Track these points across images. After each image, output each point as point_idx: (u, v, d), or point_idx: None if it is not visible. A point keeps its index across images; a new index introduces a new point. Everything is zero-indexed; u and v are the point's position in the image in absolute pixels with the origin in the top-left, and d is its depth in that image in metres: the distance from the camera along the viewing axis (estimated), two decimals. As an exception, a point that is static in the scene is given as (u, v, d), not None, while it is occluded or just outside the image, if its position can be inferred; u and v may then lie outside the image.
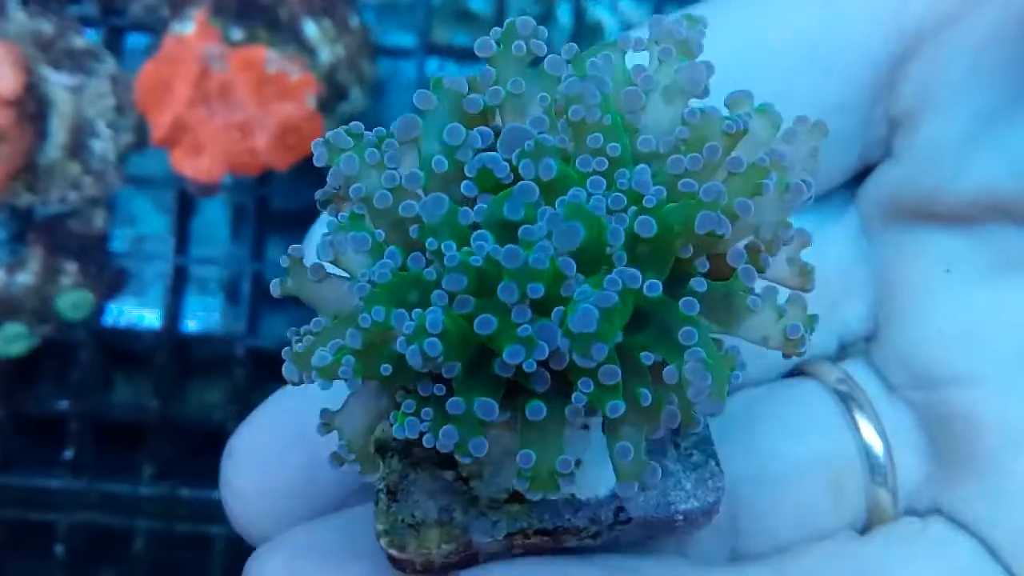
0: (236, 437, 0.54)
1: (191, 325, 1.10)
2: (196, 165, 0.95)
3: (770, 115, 0.45)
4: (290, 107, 0.95)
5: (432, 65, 1.12)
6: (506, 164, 0.42)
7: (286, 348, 0.44)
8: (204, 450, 1.05)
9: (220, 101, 0.94)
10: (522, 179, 0.42)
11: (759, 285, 0.43)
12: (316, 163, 0.44)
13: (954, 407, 0.54)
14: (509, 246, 0.39)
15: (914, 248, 0.55)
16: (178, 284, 1.09)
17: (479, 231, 0.41)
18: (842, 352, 0.60)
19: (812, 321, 0.43)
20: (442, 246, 0.41)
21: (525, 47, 0.45)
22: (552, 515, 0.47)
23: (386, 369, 0.41)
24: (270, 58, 0.95)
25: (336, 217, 0.44)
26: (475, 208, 0.42)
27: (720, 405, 0.41)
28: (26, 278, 1.01)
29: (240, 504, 0.54)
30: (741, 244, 0.42)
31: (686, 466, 0.49)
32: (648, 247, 0.41)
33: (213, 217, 1.11)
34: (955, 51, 0.52)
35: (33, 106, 0.96)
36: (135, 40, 1.08)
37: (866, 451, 0.56)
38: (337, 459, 0.45)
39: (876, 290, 0.57)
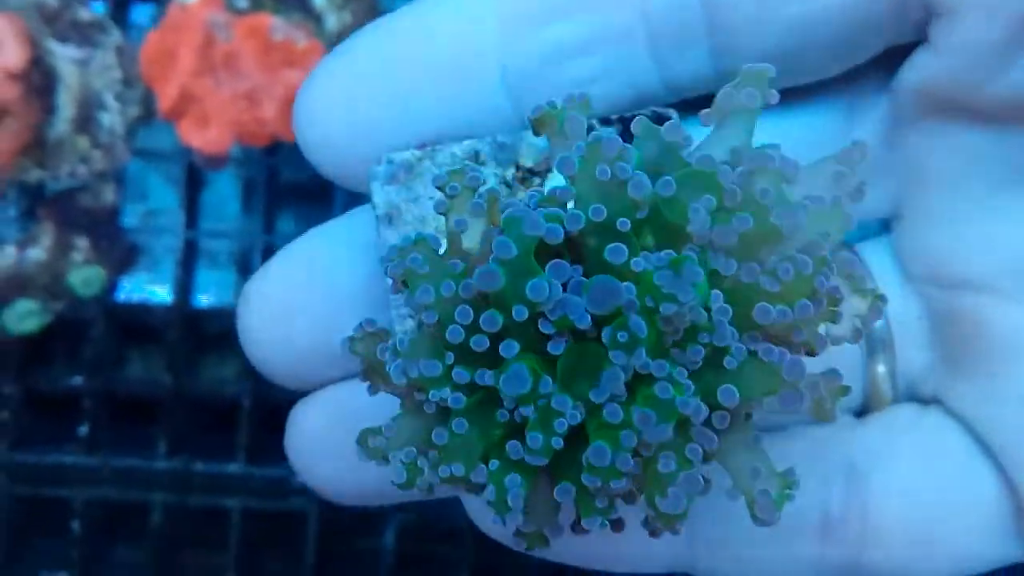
0: (249, 283, 0.55)
1: (203, 299, 1.09)
2: (204, 136, 0.95)
3: (839, 207, 0.44)
4: (297, 75, 0.94)
5: None
6: (588, 317, 0.42)
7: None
8: (218, 424, 1.05)
9: (226, 70, 0.94)
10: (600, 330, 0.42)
11: None
12: (388, 275, 0.45)
13: (964, 308, 0.55)
14: (597, 445, 0.41)
15: (946, 143, 0.54)
16: (189, 258, 1.08)
17: (558, 397, 0.41)
18: (862, 229, 0.60)
19: (844, 392, 0.45)
20: (522, 410, 0.42)
21: (608, 172, 0.42)
22: None
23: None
24: (276, 25, 0.94)
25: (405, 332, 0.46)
26: (551, 348, 0.43)
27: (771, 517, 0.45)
28: (37, 254, 1.01)
29: (257, 350, 0.55)
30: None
31: None
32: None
33: (223, 190, 1.11)
34: None
35: (39, 80, 0.96)
36: (141, 12, 1.07)
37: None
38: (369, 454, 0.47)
39: (902, 177, 0.56)
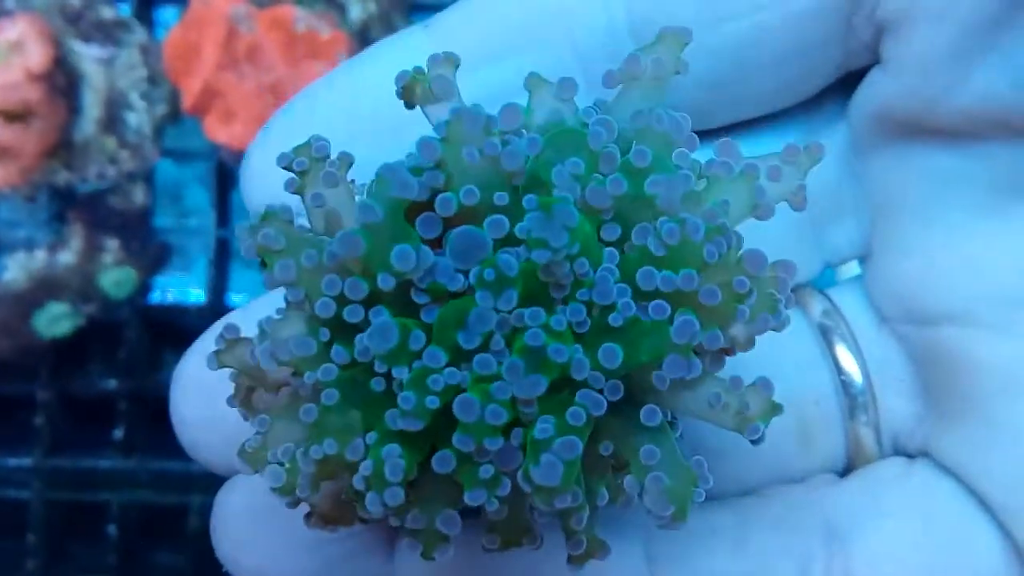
0: (182, 362, 0.53)
1: (237, 299, 1.08)
2: (230, 131, 0.93)
3: (749, 180, 0.40)
4: (322, 66, 0.93)
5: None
6: (460, 276, 0.38)
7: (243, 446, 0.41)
8: (254, 424, 1.04)
9: (250, 63, 0.93)
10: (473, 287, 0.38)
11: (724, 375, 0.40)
12: (244, 255, 0.40)
13: (944, 344, 0.50)
14: (463, 397, 0.36)
15: (910, 167, 0.50)
16: (222, 257, 1.07)
17: (430, 350, 0.38)
18: (834, 273, 0.56)
19: (775, 411, 0.40)
20: (392, 370, 0.38)
21: (476, 154, 0.39)
22: None
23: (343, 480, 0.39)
24: (298, 16, 0.93)
25: (274, 314, 0.40)
26: (424, 315, 0.39)
27: (681, 525, 0.39)
28: (68, 257, 1.00)
29: (186, 431, 0.53)
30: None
31: None
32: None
33: (254, 188, 1.09)
34: None
35: (64, 80, 0.95)
36: (166, 11, 1.07)
37: (844, 384, 0.53)
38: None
39: (868, 211, 0.52)
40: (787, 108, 0.51)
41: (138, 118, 0.99)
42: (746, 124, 0.51)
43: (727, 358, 0.41)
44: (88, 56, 0.97)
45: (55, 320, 1.00)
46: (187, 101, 0.94)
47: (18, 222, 1.02)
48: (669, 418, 0.41)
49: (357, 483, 0.38)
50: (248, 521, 0.52)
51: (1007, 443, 0.49)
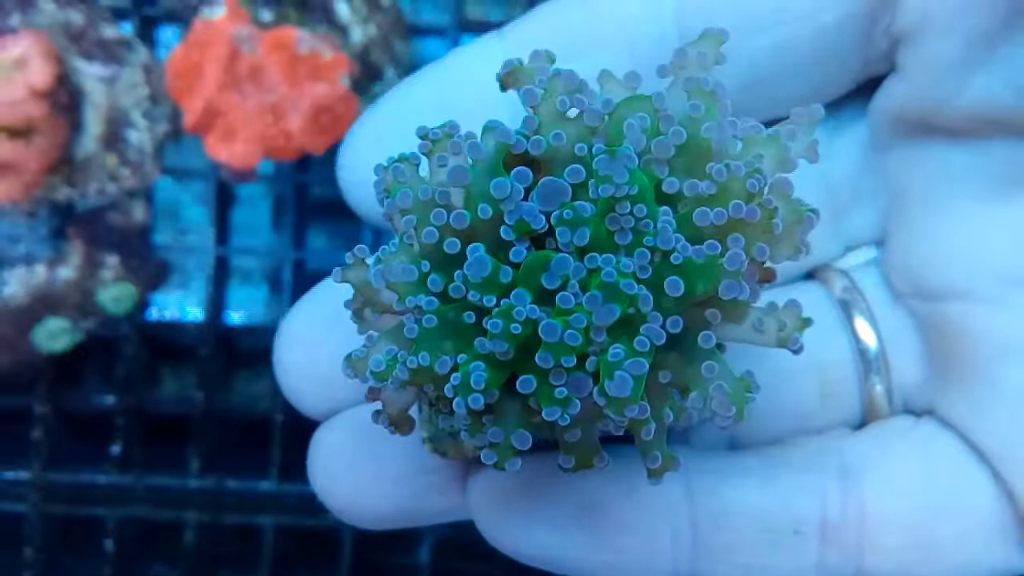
0: (288, 318, 0.61)
1: (235, 316, 1.09)
2: (230, 150, 0.94)
3: (775, 139, 0.49)
4: (323, 87, 0.94)
5: (467, 43, 1.10)
6: (542, 217, 0.46)
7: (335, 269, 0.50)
8: (251, 441, 1.05)
9: (252, 84, 0.93)
10: (554, 229, 0.46)
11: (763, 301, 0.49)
12: (375, 187, 0.49)
13: (950, 318, 0.57)
14: (547, 322, 0.44)
15: (921, 161, 0.57)
16: (220, 275, 1.08)
17: (517, 291, 0.45)
18: (850, 252, 0.63)
19: (806, 324, 0.48)
20: (483, 299, 0.46)
21: (568, 102, 0.47)
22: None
23: (428, 389, 0.48)
24: (301, 38, 0.94)
25: (387, 245, 0.48)
26: (512, 255, 0.46)
27: (740, 424, 0.48)
28: (67, 273, 1.01)
29: (289, 380, 0.61)
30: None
31: None
32: (672, 300, 0.46)
33: (253, 206, 1.10)
34: None
35: (66, 97, 0.96)
36: (168, 30, 1.07)
37: (861, 351, 0.60)
38: (376, 417, 0.51)
39: (885, 199, 0.59)
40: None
41: (139, 136, 1.00)
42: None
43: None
44: (90, 74, 0.98)
45: (54, 335, 1.00)
46: (188, 120, 0.95)
47: (18, 237, 1.02)
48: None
49: (448, 391, 0.46)
50: (343, 457, 0.59)
51: (1001, 402, 0.56)
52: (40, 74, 0.92)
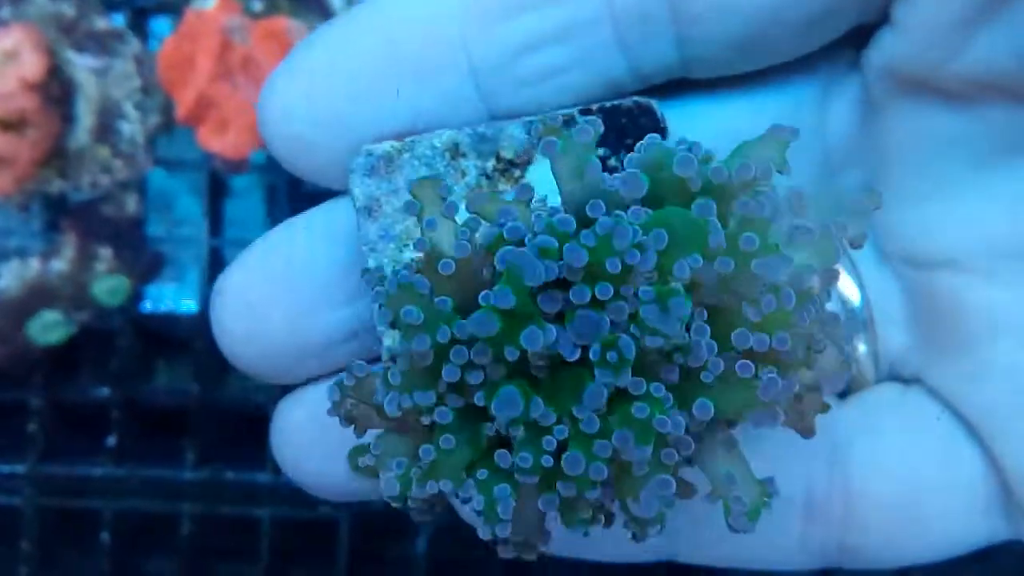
0: (224, 275, 0.55)
1: (229, 308, 1.08)
2: (222, 141, 0.94)
3: (830, 243, 0.45)
4: (315, 77, 0.93)
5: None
6: (578, 350, 0.42)
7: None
8: (246, 432, 1.04)
9: (244, 74, 0.93)
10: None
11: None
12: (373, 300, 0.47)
13: (940, 288, 0.55)
14: (571, 454, 0.41)
15: (915, 124, 0.54)
16: (214, 267, 1.08)
17: (545, 412, 0.42)
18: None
19: (824, 409, 0.47)
20: (513, 436, 0.43)
21: (620, 265, 0.42)
22: None
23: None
24: (293, 28, 0.94)
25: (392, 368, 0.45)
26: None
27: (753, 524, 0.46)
28: (61, 265, 1.01)
29: (231, 344, 0.55)
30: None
31: None
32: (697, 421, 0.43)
33: (247, 198, 1.10)
34: None
35: (58, 90, 0.96)
36: (159, 22, 1.07)
37: (844, 305, 0.57)
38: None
39: (876, 158, 0.56)
40: (806, 57, 0.54)
41: (131, 128, 1.00)
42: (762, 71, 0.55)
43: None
44: (82, 66, 0.98)
45: (48, 328, 1.00)
46: (180, 111, 0.95)
47: (11, 230, 1.02)
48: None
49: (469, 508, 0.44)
50: (310, 431, 0.55)
51: (991, 377, 0.54)
52: (32, 66, 0.92)
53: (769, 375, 0.42)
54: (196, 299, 1.07)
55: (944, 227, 0.55)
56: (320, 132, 0.52)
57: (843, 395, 0.58)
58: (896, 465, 0.56)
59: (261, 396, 1.05)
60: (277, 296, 0.53)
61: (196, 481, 1.04)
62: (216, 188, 1.07)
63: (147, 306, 1.07)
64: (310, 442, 0.55)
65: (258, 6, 0.96)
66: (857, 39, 0.54)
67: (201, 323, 1.06)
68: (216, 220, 1.08)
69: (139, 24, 1.06)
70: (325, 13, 0.97)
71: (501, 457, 0.43)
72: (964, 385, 0.55)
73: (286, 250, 0.54)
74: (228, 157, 0.95)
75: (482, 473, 0.43)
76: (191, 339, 1.06)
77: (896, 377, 0.58)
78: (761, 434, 0.54)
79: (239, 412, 1.06)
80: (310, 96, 0.51)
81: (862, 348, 0.58)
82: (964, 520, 0.56)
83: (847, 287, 0.57)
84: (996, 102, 0.52)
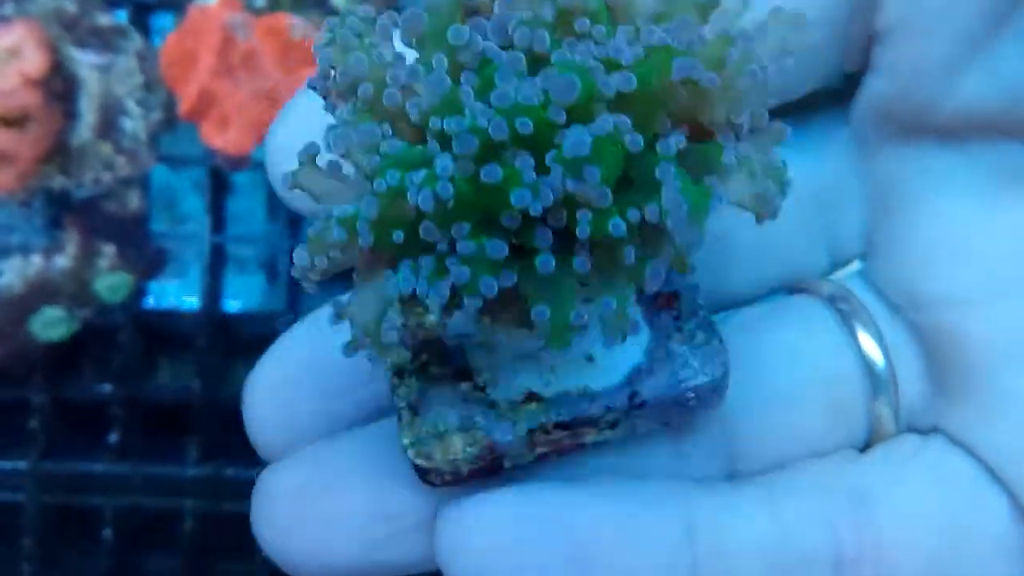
0: (255, 371, 0.55)
1: (232, 305, 1.09)
2: (225, 137, 0.94)
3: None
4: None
5: (463, 29, 1.10)
6: (501, 50, 0.42)
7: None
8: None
9: (245, 70, 0.93)
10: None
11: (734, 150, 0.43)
12: (319, 63, 0.44)
13: (947, 327, 0.54)
14: (499, 90, 0.40)
15: (908, 163, 0.54)
16: (216, 264, 1.08)
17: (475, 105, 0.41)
18: (837, 268, 0.59)
19: (786, 186, 0.44)
20: (444, 121, 0.41)
21: None
22: (569, 408, 0.49)
23: (398, 236, 0.42)
24: (294, 24, 0.94)
25: (339, 112, 0.44)
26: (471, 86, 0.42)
27: (700, 231, 0.41)
28: (63, 262, 1.01)
29: (261, 433, 0.55)
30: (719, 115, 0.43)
31: (692, 346, 0.51)
32: (631, 107, 0.41)
33: (248, 194, 1.10)
34: None
35: (60, 86, 0.96)
36: (162, 18, 1.07)
37: (867, 366, 0.55)
38: (352, 346, 0.45)
39: (870, 205, 0.56)
40: (800, 105, 0.54)
41: (134, 124, 1.00)
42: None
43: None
44: (85, 62, 0.98)
45: (50, 324, 1.00)
46: (183, 107, 0.95)
47: (14, 227, 1.02)
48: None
49: (411, 197, 0.40)
50: (293, 505, 0.52)
51: (1007, 413, 0.53)
52: (34, 63, 0.92)
53: (679, 27, 0.42)
54: (198, 296, 1.07)
55: (943, 264, 0.54)
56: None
57: (863, 448, 0.57)
58: (925, 514, 0.54)
59: (263, 393, 1.05)
60: (304, 384, 0.54)
61: (198, 478, 1.04)
62: (218, 185, 1.08)
63: (149, 303, 1.08)
64: (294, 518, 0.52)
65: (260, 2, 0.96)
66: (846, 92, 0.54)
67: (203, 320, 1.06)
68: (218, 217, 1.08)
69: (141, 20, 1.06)
70: (326, 10, 0.97)
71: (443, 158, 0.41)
72: (979, 427, 0.54)
73: (308, 342, 0.55)
74: (230, 153, 0.95)
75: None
76: (193, 336, 1.06)
77: (914, 429, 0.57)
78: (780, 490, 0.54)
79: (241, 408, 1.06)
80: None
81: (885, 406, 0.56)
82: (997, 567, 0.54)
83: (871, 350, 0.56)
84: (988, 139, 0.52)
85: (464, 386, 0.50)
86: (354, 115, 0.43)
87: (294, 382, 0.55)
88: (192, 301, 1.08)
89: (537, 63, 0.42)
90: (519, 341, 0.47)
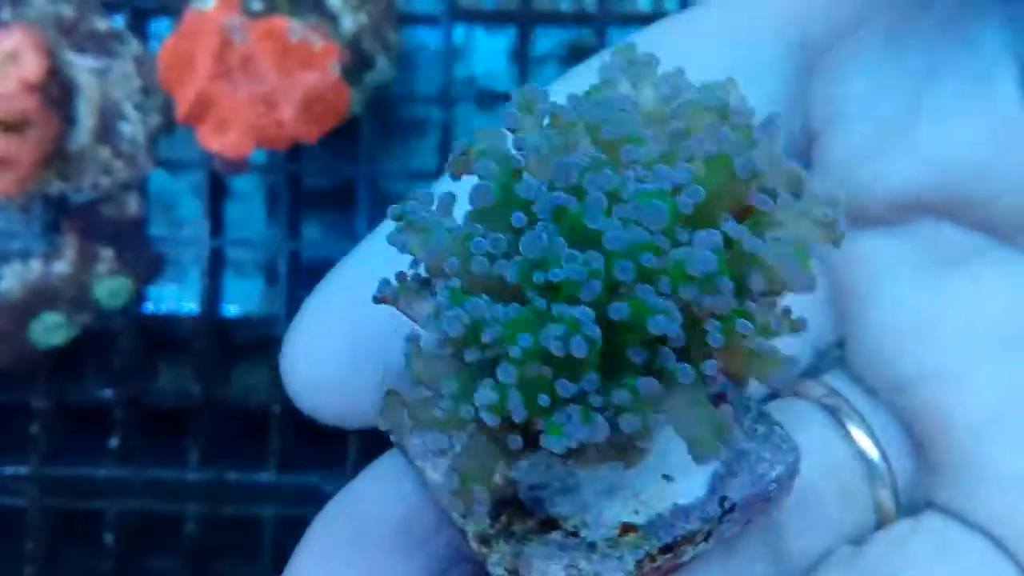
0: (298, 551, 0.55)
1: (231, 308, 1.09)
2: (223, 141, 0.94)
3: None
4: (314, 76, 0.93)
5: (459, 32, 1.10)
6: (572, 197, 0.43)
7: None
8: (249, 432, 1.05)
9: (243, 73, 0.93)
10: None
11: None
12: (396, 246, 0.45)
13: (925, 405, 0.55)
14: (610, 234, 0.41)
15: (856, 252, 0.56)
16: (215, 267, 1.08)
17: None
18: (821, 361, 0.60)
19: (841, 207, 0.45)
20: (550, 274, 0.42)
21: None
22: (667, 529, 0.49)
23: (544, 399, 0.42)
24: (292, 28, 0.94)
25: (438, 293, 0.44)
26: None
27: (812, 279, 0.44)
28: (62, 267, 1.01)
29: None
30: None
31: (757, 440, 0.51)
32: (700, 215, 0.43)
33: (247, 198, 1.10)
34: (853, 63, 0.54)
35: (58, 91, 0.96)
36: (159, 23, 1.07)
37: (863, 458, 0.56)
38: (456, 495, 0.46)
39: (834, 297, 0.58)
40: None
41: (132, 128, 1.00)
42: None
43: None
44: (82, 67, 0.98)
45: (50, 330, 1.00)
46: (181, 111, 0.95)
47: (13, 232, 1.02)
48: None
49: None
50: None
51: (990, 484, 0.54)
52: (32, 67, 0.93)
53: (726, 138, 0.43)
54: (198, 300, 1.07)
55: (905, 347, 0.55)
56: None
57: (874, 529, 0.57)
58: None
59: (263, 396, 1.06)
60: (352, 560, 0.53)
61: (199, 481, 1.04)
62: (217, 189, 1.08)
63: (149, 307, 1.08)
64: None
65: (257, 6, 0.96)
66: None
67: (203, 324, 1.06)
68: (217, 220, 1.08)
69: (139, 25, 1.06)
70: (324, 13, 0.97)
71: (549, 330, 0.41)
72: (967, 497, 0.54)
73: (352, 512, 0.54)
74: (228, 156, 0.95)
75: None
76: (193, 340, 1.07)
77: (910, 506, 0.57)
78: None
79: (241, 412, 1.07)
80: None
81: (885, 494, 0.57)
82: None
83: (863, 443, 0.57)
84: (921, 221, 0.54)
85: (555, 535, 0.49)
86: (452, 295, 0.43)
87: (340, 561, 0.53)
88: (191, 305, 1.08)
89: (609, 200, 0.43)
90: (601, 476, 0.48)
